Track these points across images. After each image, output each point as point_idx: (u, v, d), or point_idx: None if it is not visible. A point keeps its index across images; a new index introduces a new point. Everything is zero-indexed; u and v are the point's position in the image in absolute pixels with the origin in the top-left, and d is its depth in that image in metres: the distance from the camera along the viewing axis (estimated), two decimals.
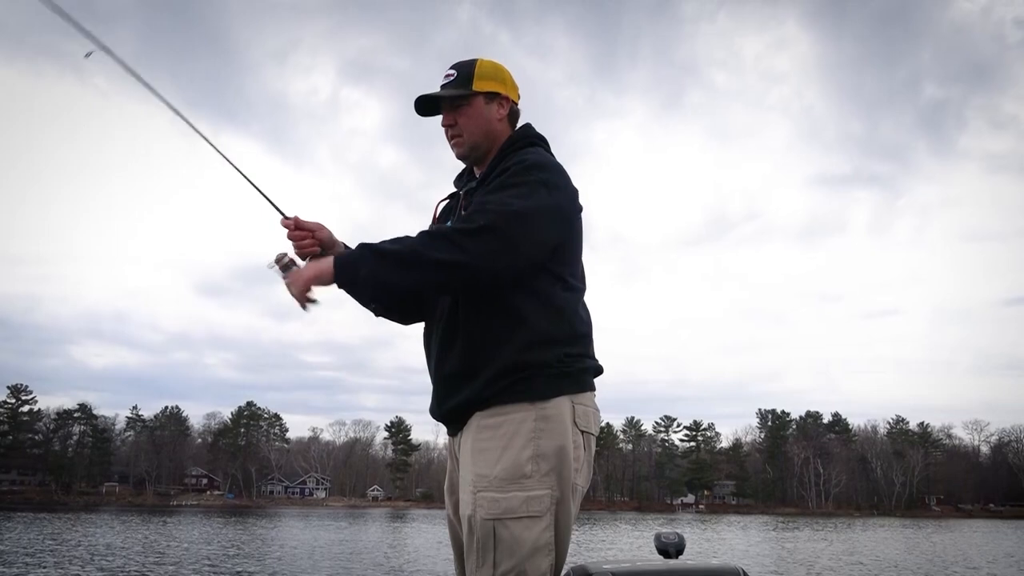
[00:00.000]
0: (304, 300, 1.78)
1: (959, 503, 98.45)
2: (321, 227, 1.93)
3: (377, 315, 2.04)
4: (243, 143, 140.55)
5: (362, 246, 1.70)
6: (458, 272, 1.66)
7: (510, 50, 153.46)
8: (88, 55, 1.90)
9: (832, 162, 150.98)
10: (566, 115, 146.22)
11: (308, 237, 1.91)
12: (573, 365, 1.80)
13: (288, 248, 1.91)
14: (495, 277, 1.70)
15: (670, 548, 1.98)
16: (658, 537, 2.08)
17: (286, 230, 1.92)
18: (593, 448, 1.85)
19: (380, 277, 1.67)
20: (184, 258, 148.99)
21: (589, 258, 1.96)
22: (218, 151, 1.95)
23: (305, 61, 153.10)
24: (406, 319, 2.07)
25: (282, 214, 1.94)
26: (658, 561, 1.90)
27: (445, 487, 1.97)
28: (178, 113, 1.92)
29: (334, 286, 1.75)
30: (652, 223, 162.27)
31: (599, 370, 1.90)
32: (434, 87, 1.96)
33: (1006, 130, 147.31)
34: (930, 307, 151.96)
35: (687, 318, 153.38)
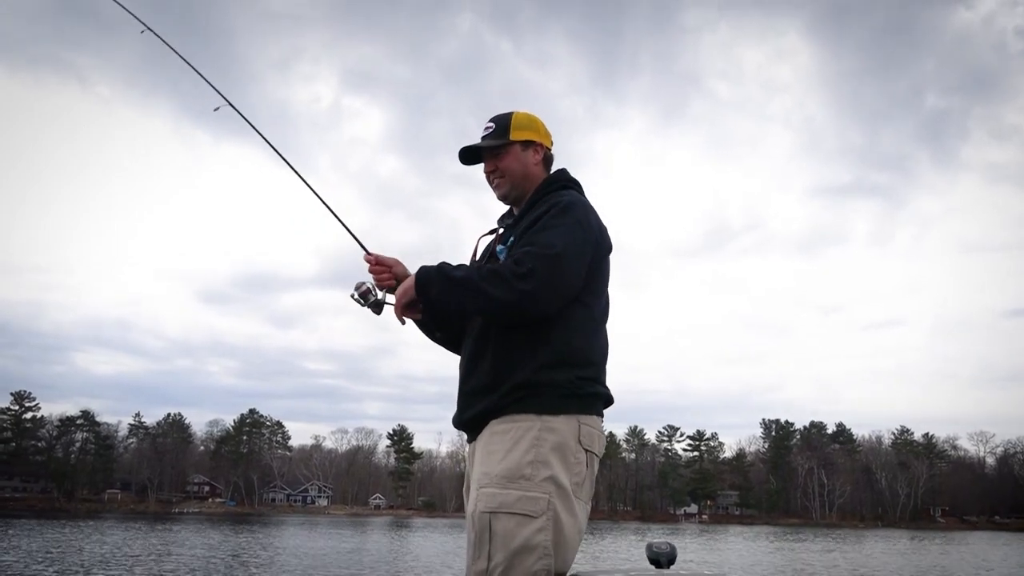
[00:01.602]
0: (404, 315, 2.05)
1: (964, 514, 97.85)
2: (397, 263, 2.24)
3: (437, 342, 2.32)
4: (246, 152, 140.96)
5: (439, 268, 1.96)
6: (508, 309, 1.90)
7: (511, 60, 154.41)
8: (216, 109, 2.46)
9: (833, 172, 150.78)
10: (567, 125, 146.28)
11: (386, 271, 2.21)
12: (583, 388, 1.96)
13: (368, 279, 2.24)
14: (540, 313, 1.92)
15: (661, 558, 2.02)
16: (649, 547, 2.12)
17: (368, 264, 2.24)
18: (596, 468, 1.99)
19: (444, 298, 1.94)
20: (186, 265, 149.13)
21: None
22: (317, 195, 2.37)
23: (307, 70, 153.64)
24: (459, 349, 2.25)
25: (366, 250, 2.27)
26: (650, 571, 1.92)
27: (464, 490, 2.10)
28: (291, 167, 2.41)
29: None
30: (653, 233, 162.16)
31: (609, 400, 2.05)
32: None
33: (1008, 140, 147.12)
34: (932, 318, 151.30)
35: (688, 327, 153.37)
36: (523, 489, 1.83)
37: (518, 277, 1.87)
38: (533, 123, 2.22)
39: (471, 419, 2.02)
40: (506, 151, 2.17)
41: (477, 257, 2.26)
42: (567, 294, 1.94)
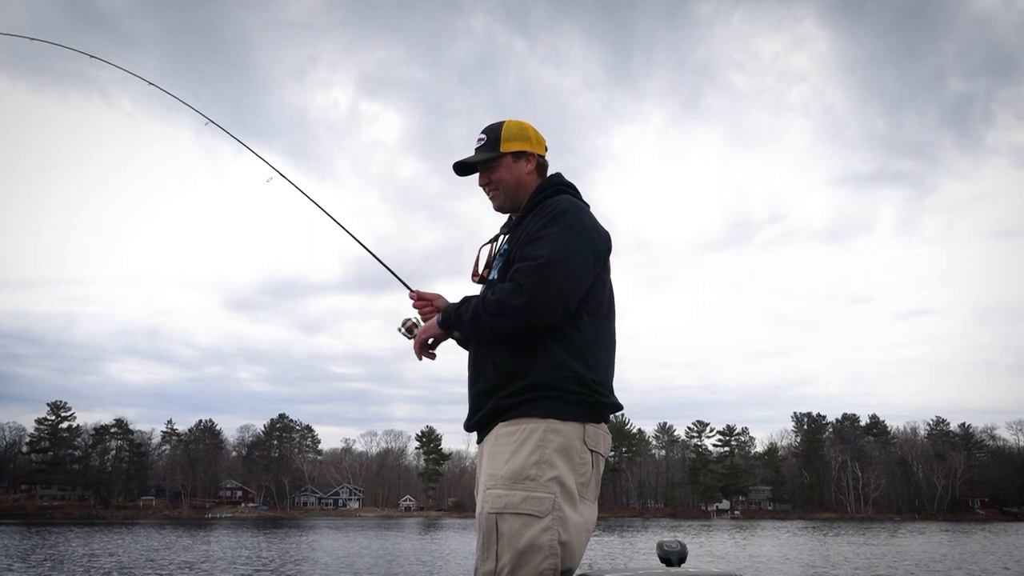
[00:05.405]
0: (421, 354, 2.25)
1: (1004, 506, 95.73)
2: (438, 296, 2.36)
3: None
4: (268, 160, 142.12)
5: (456, 308, 2.09)
6: (513, 330, 1.97)
7: (525, 59, 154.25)
8: (269, 180, 2.82)
9: (856, 161, 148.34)
10: (585, 122, 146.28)
11: (428, 305, 2.34)
12: (592, 396, 1.99)
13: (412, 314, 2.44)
14: (543, 322, 1.96)
15: (672, 556, 2.03)
16: (660, 546, 2.09)
17: (411, 300, 2.42)
18: (601, 468, 2.04)
19: (468, 333, 2.08)
20: (213, 274, 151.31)
21: (613, 264, 2.18)
22: (354, 237, 2.68)
23: (324, 76, 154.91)
24: None
25: (408, 288, 2.44)
26: (659, 569, 1.94)
27: (474, 491, 2.13)
28: (345, 229, 2.70)
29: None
30: (676, 228, 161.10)
31: (617, 407, 2.09)
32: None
33: None
34: (965, 305, 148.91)
35: (715, 322, 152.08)
36: (529, 490, 1.86)
37: (512, 295, 1.92)
38: (524, 131, 2.22)
39: (479, 420, 2.06)
40: (497, 163, 2.19)
41: (480, 266, 2.30)
42: (566, 300, 1.96)
